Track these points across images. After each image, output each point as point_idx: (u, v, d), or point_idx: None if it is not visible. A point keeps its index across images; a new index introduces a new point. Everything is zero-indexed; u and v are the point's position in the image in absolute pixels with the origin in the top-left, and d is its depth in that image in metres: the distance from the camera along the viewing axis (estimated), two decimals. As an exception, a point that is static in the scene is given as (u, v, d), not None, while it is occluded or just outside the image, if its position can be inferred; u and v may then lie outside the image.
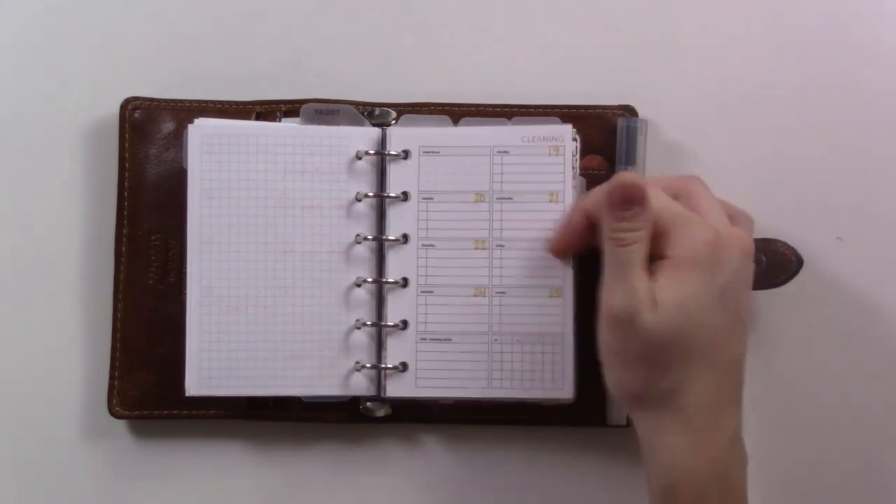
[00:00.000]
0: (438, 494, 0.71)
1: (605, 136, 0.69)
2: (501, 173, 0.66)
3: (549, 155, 0.66)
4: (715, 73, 0.72)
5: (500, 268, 0.67)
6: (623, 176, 0.59)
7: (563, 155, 0.66)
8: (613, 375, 0.60)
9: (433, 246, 0.67)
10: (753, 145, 0.72)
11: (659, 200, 0.59)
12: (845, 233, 0.71)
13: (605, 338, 0.59)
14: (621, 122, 0.69)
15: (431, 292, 0.67)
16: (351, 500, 0.71)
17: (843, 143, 0.72)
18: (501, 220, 0.66)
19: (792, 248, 0.67)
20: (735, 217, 0.63)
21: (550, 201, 0.66)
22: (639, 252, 0.58)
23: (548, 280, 0.66)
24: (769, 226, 0.69)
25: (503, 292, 0.66)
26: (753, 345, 0.71)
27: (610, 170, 0.69)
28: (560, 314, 0.66)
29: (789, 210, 0.71)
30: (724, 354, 0.58)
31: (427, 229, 0.67)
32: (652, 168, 0.70)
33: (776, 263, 0.67)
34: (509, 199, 0.66)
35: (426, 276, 0.67)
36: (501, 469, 0.71)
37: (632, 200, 0.58)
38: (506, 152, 0.66)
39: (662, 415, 0.58)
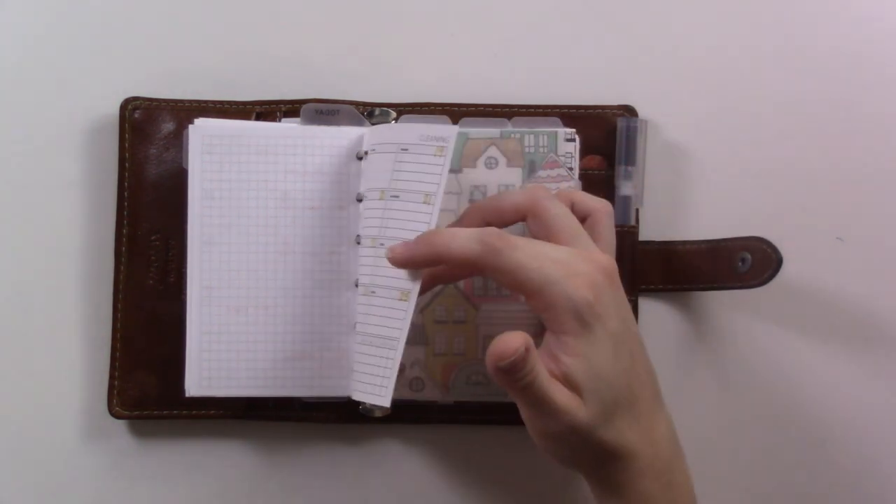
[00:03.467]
0: (438, 494, 0.71)
1: (605, 136, 0.70)
2: (400, 171, 0.63)
3: (434, 155, 0.63)
4: (715, 74, 0.72)
5: (375, 266, 0.63)
6: (495, 350, 0.54)
7: (445, 156, 0.62)
8: (569, 465, 0.60)
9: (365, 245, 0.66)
10: (753, 145, 0.72)
11: (523, 254, 0.56)
12: (845, 233, 0.71)
13: (551, 454, 0.59)
14: (621, 123, 0.69)
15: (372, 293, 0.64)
16: (351, 500, 0.71)
17: (843, 143, 0.72)
18: (387, 219, 0.63)
19: (772, 245, 0.67)
20: (591, 224, 0.62)
21: (424, 202, 0.62)
22: (539, 381, 0.54)
23: (401, 283, 0.61)
24: (769, 226, 0.69)
25: (373, 292, 0.63)
26: (753, 345, 0.71)
27: (610, 169, 0.69)
28: (402, 318, 0.61)
29: (789, 210, 0.71)
30: (642, 374, 0.58)
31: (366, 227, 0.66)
32: (652, 168, 0.70)
33: (760, 261, 0.66)
34: (397, 197, 0.63)
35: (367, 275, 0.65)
36: (501, 469, 0.71)
37: (511, 370, 0.54)
38: (406, 150, 0.64)
39: (625, 472, 0.57)
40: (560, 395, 0.55)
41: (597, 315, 0.55)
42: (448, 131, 0.62)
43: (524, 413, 0.57)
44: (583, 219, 0.61)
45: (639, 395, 0.57)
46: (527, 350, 0.53)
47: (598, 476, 0.58)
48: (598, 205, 0.62)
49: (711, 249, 0.69)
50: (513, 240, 0.56)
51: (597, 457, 0.57)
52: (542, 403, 0.55)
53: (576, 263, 0.56)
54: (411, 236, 0.60)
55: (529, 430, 0.58)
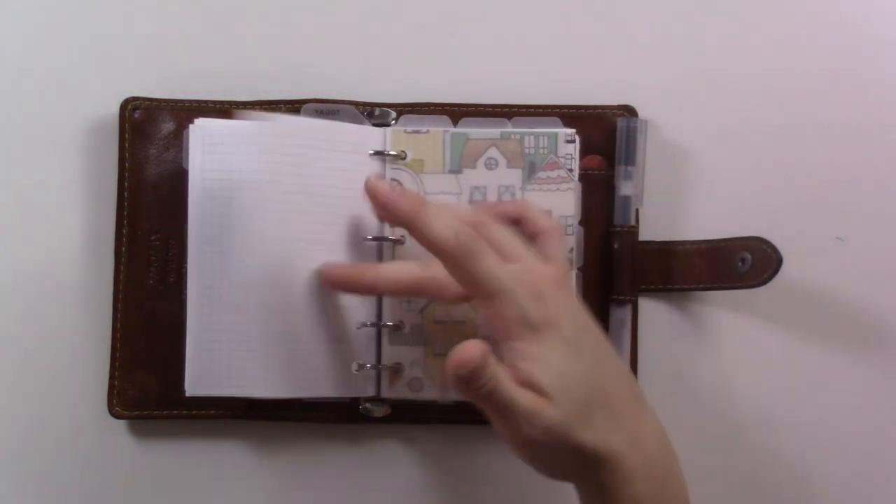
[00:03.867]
0: (438, 494, 0.71)
1: (605, 137, 0.70)
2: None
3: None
4: (715, 74, 0.72)
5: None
6: (454, 360, 0.54)
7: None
8: (556, 474, 0.59)
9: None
10: (753, 146, 0.72)
11: (487, 262, 0.56)
12: (845, 233, 0.71)
13: (536, 465, 0.58)
14: (621, 123, 0.69)
15: None
16: (351, 500, 0.71)
17: (843, 143, 0.72)
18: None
19: (772, 245, 0.67)
20: (537, 235, 0.62)
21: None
22: (501, 387, 0.54)
23: None
24: (769, 226, 0.69)
25: None
26: (753, 345, 0.71)
27: (610, 169, 0.69)
28: None
29: (789, 210, 0.71)
30: (616, 380, 0.58)
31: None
32: (652, 168, 0.70)
33: (760, 261, 0.67)
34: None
35: None
36: (501, 469, 0.71)
37: (472, 378, 0.54)
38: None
39: (613, 476, 0.56)
40: (524, 397, 0.54)
41: (545, 321, 0.55)
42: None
43: (497, 427, 0.57)
44: (533, 235, 0.62)
45: (613, 395, 0.57)
46: (484, 357, 0.53)
47: (588, 484, 0.58)
48: (548, 224, 0.63)
49: (711, 249, 0.69)
50: (483, 246, 0.56)
51: (581, 462, 0.56)
52: (507, 408, 0.54)
53: (524, 274, 0.56)
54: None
55: (509, 444, 0.57)
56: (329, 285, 0.66)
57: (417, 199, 0.59)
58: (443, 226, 0.57)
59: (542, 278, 0.57)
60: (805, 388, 0.71)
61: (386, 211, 0.60)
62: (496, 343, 0.56)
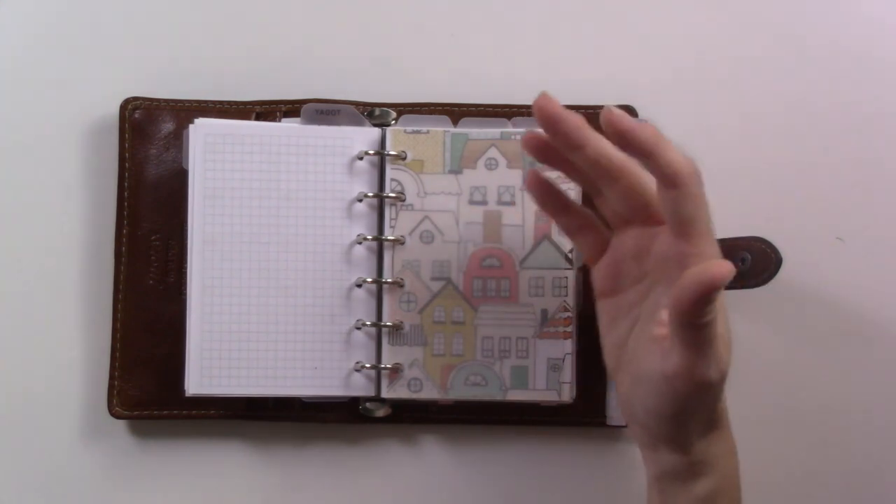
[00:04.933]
0: (438, 494, 0.71)
1: (605, 137, 0.69)
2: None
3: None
4: (715, 74, 0.72)
5: None
6: (712, 271, 0.49)
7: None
8: (659, 432, 0.56)
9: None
10: (754, 146, 0.72)
11: (704, 207, 0.53)
12: (845, 233, 0.71)
13: (667, 406, 0.54)
14: (621, 123, 0.69)
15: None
16: (351, 500, 0.71)
17: (843, 143, 0.72)
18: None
19: (772, 245, 0.67)
20: None
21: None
22: (717, 319, 0.52)
23: None
24: (770, 225, 0.69)
25: None
26: (752, 344, 0.71)
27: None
28: None
29: (789, 210, 0.71)
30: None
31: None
32: (652, 168, 0.70)
33: (760, 261, 0.67)
34: None
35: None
36: (501, 469, 0.71)
37: (708, 301, 0.50)
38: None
39: (708, 437, 0.57)
40: (721, 346, 0.53)
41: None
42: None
43: (680, 356, 0.52)
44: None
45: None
46: (728, 278, 0.49)
47: (679, 458, 0.56)
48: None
49: (712, 249, 0.69)
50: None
51: (701, 429, 0.56)
52: (710, 343, 0.51)
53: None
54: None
55: (679, 377, 0.52)
56: (543, 116, 0.55)
57: (654, 128, 0.54)
58: (677, 152, 0.53)
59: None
60: (805, 388, 0.71)
61: (627, 138, 0.53)
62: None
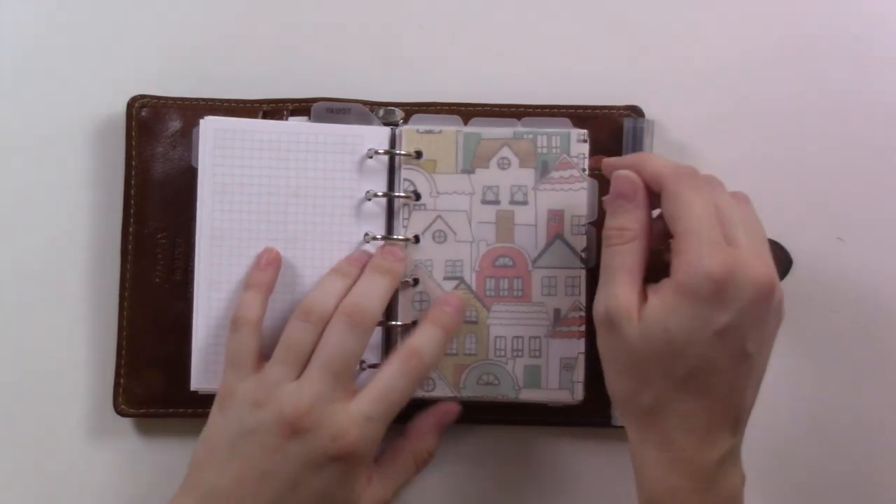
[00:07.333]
0: (439, 494, 0.71)
1: (612, 137, 0.70)
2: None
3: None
4: (720, 74, 0.73)
5: None
6: (622, 170, 0.60)
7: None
8: (606, 379, 0.60)
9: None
10: (756, 146, 0.72)
11: (685, 202, 0.57)
12: (845, 233, 0.72)
13: (598, 339, 0.60)
14: (628, 123, 0.69)
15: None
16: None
17: (843, 143, 0.73)
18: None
19: (782, 248, 0.68)
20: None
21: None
22: (629, 255, 0.58)
23: None
24: (770, 225, 0.69)
25: None
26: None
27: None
28: None
29: (790, 210, 0.72)
30: (718, 386, 0.56)
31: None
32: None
33: None
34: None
35: None
36: (503, 469, 0.71)
37: (621, 195, 0.59)
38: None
39: (645, 428, 0.58)
40: (627, 288, 0.58)
41: (719, 299, 0.54)
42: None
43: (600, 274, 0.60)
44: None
45: (703, 394, 0.56)
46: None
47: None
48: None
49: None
50: (700, 183, 0.58)
51: (629, 373, 0.58)
52: (611, 273, 0.58)
53: (741, 255, 0.56)
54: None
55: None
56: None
57: (635, 155, 0.63)
58: (659, 160, 0.60)
59: (750, 280, 0.55)
60: (805, 388, 0.72)
61: (613, 169, 0.61)
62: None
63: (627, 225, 0.58)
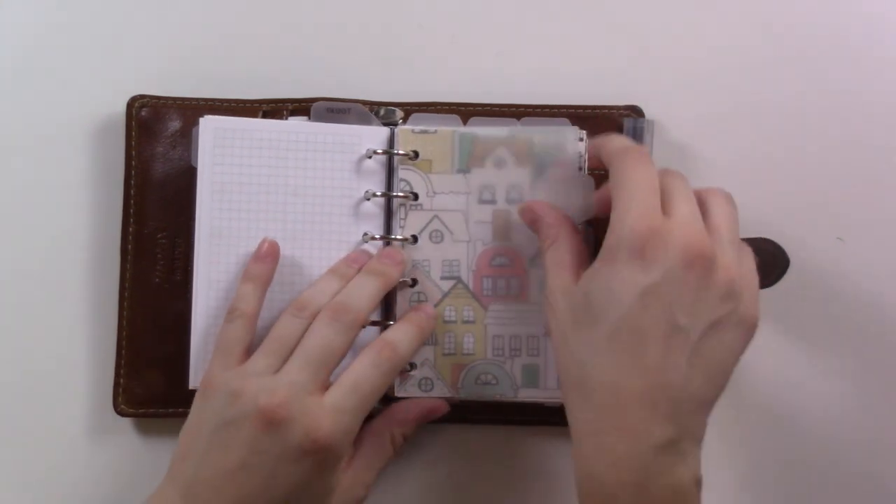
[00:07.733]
0: (439, 494, 0.71)
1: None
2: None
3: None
4: (720, 74, 0.73)
5: None
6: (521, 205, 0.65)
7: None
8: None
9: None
10: (756, 146, 0.72)
11: (625, 173, 0.58)
12: (845, 233, 0.72)
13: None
14: (627, 123, 0.69)
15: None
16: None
17: (843, 143, 0.72)
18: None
19: (779, 247, 0.67)
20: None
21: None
22: (556, 252, 0.61)
23: None
24: (770, 225, 0.69)
25: None
26: (753, 345, 0.71)
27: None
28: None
29: (790, 210, 0.72)
30: (648, 358, 0.54)
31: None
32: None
33: (767, 263, 0.67)
34: None
35: None
36: (501, 469, 0.71)
37: (531, 224, 0.64)
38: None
39: (578, 408, 0.57)
40: (559, 276, 0.60)
41: (643, 257, 0.54)
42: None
43: None
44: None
45: (634, 365, 0.55)
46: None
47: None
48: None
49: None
50: (646, 159, 0.59)
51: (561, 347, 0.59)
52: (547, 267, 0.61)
53: (673, 221, 0.56)
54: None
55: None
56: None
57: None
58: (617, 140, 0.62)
59: (681, 239, 0.55)
60: (805, 388, 0.72)
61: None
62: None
63: (548, 232, 0.62)
